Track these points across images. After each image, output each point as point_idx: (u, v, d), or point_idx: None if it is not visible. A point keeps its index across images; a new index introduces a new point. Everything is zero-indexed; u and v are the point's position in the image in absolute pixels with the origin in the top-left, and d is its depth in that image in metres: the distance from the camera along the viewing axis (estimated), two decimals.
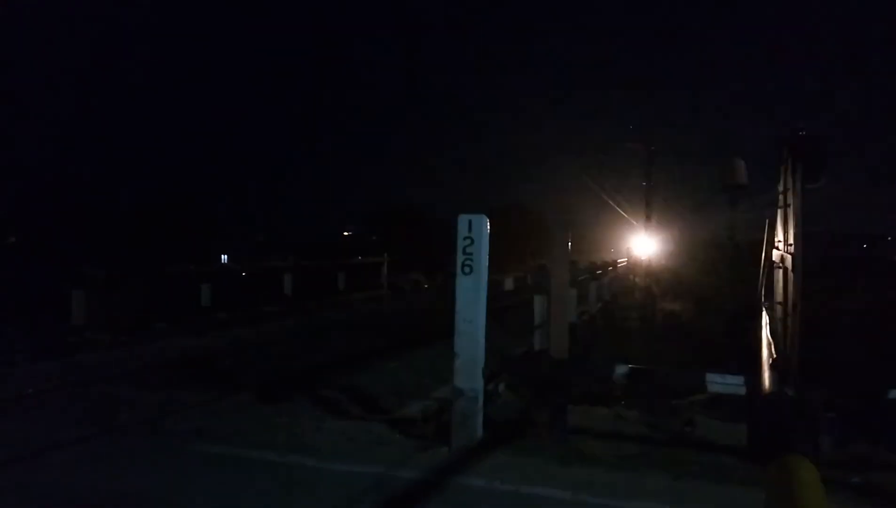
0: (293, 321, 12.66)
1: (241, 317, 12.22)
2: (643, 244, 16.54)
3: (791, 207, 3.50)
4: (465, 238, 5.14)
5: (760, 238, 6.09)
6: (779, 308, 3.37)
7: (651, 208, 17.06)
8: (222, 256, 23.69)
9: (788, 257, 3.31)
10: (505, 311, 13.40)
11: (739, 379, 4.33)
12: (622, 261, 17.10)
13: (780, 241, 3.53)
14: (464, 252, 5.13)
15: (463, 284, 5.10)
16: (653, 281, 13.68)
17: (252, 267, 15.45)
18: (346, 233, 39.57)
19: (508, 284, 14.92)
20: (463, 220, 5.19)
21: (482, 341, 5.13)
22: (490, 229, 5.24)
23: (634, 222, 18.08)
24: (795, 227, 3.29)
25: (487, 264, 5.18)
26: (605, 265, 15.03)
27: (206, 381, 7.66)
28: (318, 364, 8.56)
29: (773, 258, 3.63)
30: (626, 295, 13.57)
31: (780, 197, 3.79)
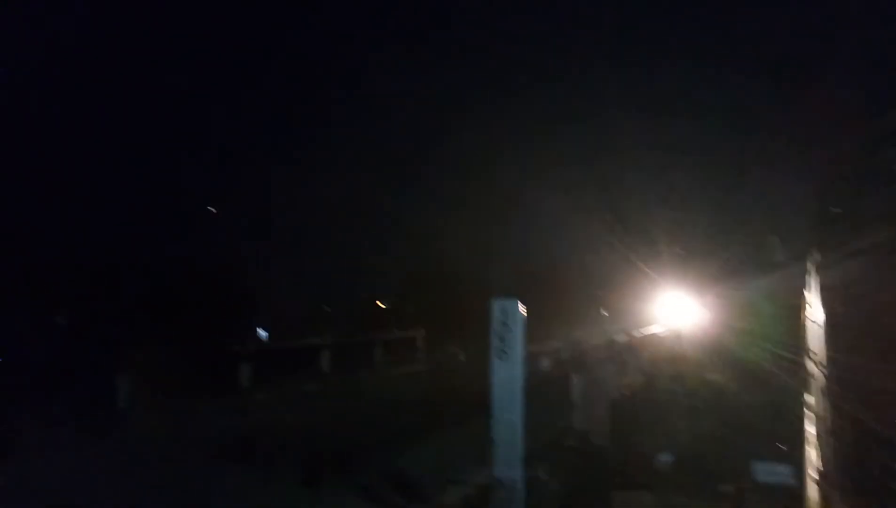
0: (331, 400, 12.68)
1: (280, 396, 12.32)
2: (681, 312, 16.29)
3: (816, 316, 3.41)
4: (499, 323, 5.17)
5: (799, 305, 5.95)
6: (818, 422, 3.27)
7: (688, 275, 16.90)
8: (260, 331, 23.96)
9: (821, 377, 3.23)
10: (542, 385, 13.23)
11: (788, 470, 4.19)
12: (661, 329, 16.81)
13: (813, 352, 3.45)
14: (498, 337, 5.15)
15: (498, 369, 5.10)
16: (694, 351, 13.40)
17: (290, 344, 15.63)
18: (381, 304, 39.75)
19: (545, 361, 14.76)
20: (497, 305, 5.23)
21: (520, 427, 5.08)
22: (526, 299, 5.24)
23: (671, 289, 17.90)
24: (826, 344, 3.19)
25: (522, 349, 5.18)
26: (643, 334, 14.81)
27: (248, 464, 7.72)
28: (356, 445, 8.52)
29: (808, 368, 3.55)
30: (668, 365, 13.27)
31: (805, 299, 3.70)
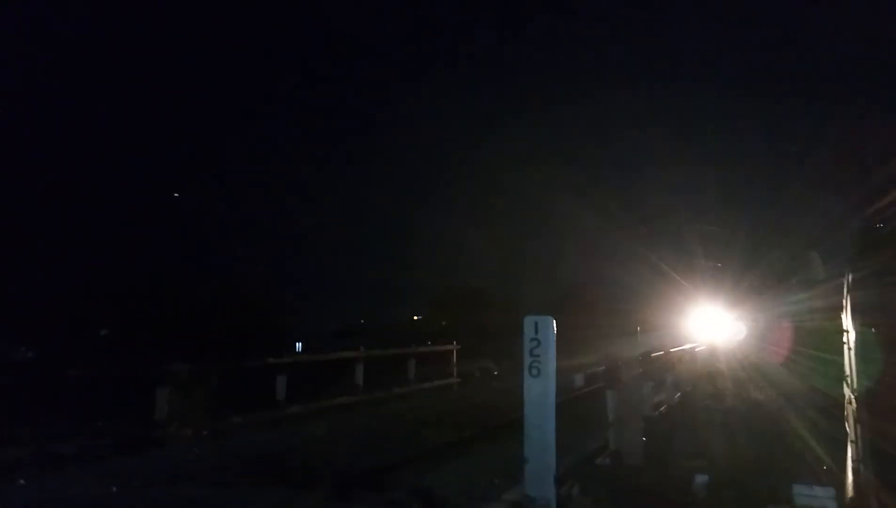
0: (364, 414, 12.73)
1: (313, 410, 12.40)
2: (718, 327, 15.97)
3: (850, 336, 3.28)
4: (531, 340, 5.13)
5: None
6: (852, 445, 3.14)
7: (724, 289, 16.63)
8: (297, 344, 24.23)
9: (854, 398, 3.11)
10: (577, 401, 13.05)
11: (830, 492, 4.04)
12: (697, 345, 16.50)
13: (847, 373, 3.32)
14: (531, 354, 5.11)
15: (530, 387, 5.06)
16: (731, 367, 13.11)
17: (325, 357, 15.71)
18: (415, 317, 39.96)
19: (579, 378, 14.51)
20: (529, 321, 5.20)
21: (552, 445, 5.03)
22: (561, 313, 5.22)
23: (708, 304, 17.60)
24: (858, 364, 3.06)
25: (554, 366, 5.14)
26: (679, 349, 14.52)
27: (280, 478, 7.80)
28: (387, 461, 8.52)
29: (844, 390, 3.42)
30: (706, 382, 13.01)
31: (843, 323, 3.54)
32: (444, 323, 32.82)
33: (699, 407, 10.83)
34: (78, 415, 10.73)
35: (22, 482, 7.25)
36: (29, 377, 10.09)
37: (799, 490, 4.22)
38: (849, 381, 3.32)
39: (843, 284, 4.15)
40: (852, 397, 3.16)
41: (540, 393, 5.04)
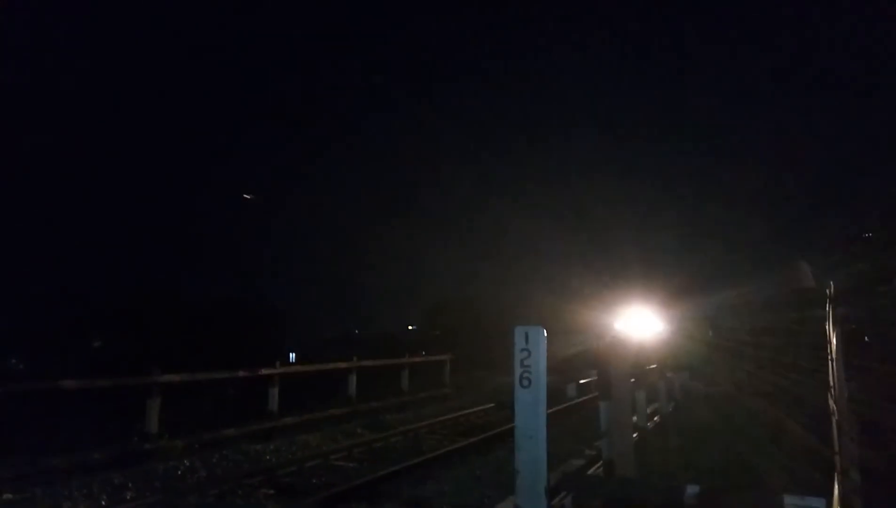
0: (357, 425, 12.67)
1: (306, 421, 12.33)
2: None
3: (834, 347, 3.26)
4: (522, 350, 5.10)
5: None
6: (838, 455, 3.12)
7: (657, 296, 16.66)
8: (291, 354, 24.17)
9: (836, 412, 3.09)
10: (570, 412, 13.05)
11: (821, 503, 4.02)
12: (689, 354, 16.47)
13: (831, 384, 3.30)
14: (521, 365, 5.08)
15: (521, 397, 5.03)
16: (725, 378, 13.12)
17: (318, 368, 15.65)
18: (409, 327, 39.89)
19: (571, 390, 14.49)
20: (519, 331, 5.18)
21: (544, 456, 5.00)
22: (552, 323, 5.21)
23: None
24: (840, 374, 3.04)
25: (545, 376, 5.12)
26: (672, 359, 14.53)
27: (272, 490, 7.75)
28: (381, 472, 8.48)
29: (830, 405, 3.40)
30: (698, 391, 13.04)
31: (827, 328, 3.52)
32: (437, 333, 32.76)
33: (692, 417, 10.85)
34: (69, 427, 10.65)
35: (10, 495, 7.18)
36: (20, 390, 9.98)
37: (790, 501, 4.20)
38: (832, 393, 3.31)
39: (824, 293, 4.15)
40: (835, 408, 3.15)
41: (531, 404, 5.00)
